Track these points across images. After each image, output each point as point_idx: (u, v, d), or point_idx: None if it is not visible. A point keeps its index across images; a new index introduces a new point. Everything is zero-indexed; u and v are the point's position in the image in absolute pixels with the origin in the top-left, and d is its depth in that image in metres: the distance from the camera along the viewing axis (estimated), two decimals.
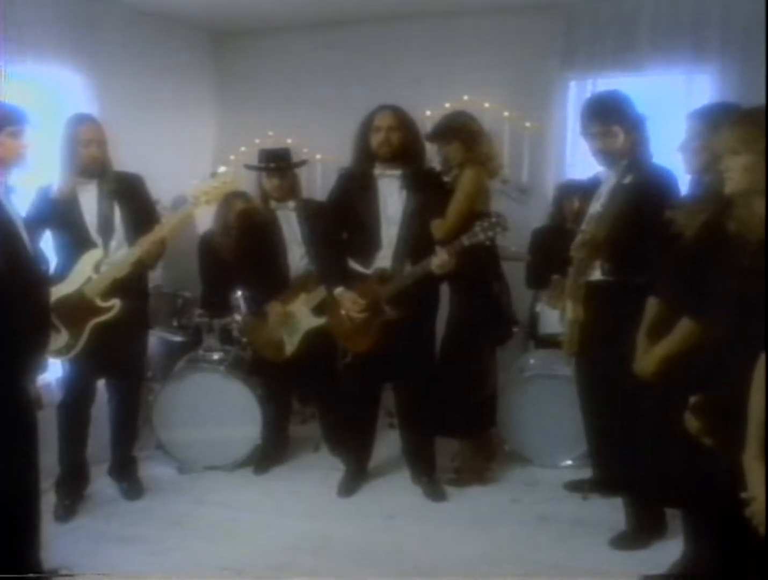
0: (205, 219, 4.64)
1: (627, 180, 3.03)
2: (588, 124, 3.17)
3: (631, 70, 4.74)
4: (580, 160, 4.85)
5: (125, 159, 3.72)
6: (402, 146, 3.53)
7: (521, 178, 4.76)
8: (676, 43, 4.64)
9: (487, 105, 4.59)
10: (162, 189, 4.09)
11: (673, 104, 4.44)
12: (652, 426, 2.64)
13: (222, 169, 3.62)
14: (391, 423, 4.38)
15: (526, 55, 4.99)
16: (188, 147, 5.38)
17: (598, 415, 3.37)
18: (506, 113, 4.72)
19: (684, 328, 2.42)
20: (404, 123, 3.56)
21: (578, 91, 4.96)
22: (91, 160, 3.51)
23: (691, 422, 2.19)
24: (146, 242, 3.45)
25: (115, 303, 3.44)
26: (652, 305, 2.68)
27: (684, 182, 2.90)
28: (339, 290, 3.60)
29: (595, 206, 3.18)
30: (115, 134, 3.66)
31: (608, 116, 3.10)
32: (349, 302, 3.55)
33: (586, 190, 3.89)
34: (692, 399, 2.20)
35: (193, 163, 5.29)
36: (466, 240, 3.35)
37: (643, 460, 2.72)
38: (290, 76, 5.56)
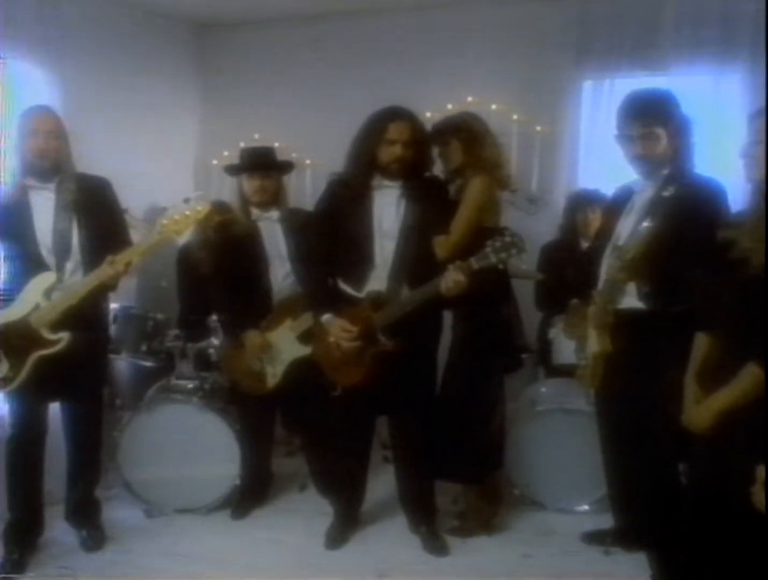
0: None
1: (668, 192, 2.71)
2: (626, 125, 2.85)
3: (652, 70, 4.47)
4: (594, 168, 4.70)
5: (96, 162, 3.42)
6: (414, 161, 3.18)
7: (530, 186, 4.52)
8: (703, 39, 4.36)
9: (494, 107, 4.36)
10: (136, 196, 3.81)
11: (699, 107, 4.05)
12: (699, 487, 2.26)
13: (197, 193, 3.29)
14: (386, 456, 4.02)
15: (536, 52, 4.76)
16: (167, 151, 5.16)
17: (622, 457, 3.11)
18: (515, 116, 4.51)
19: (749, 376, 2.02)
20: (421, 135, 3.20)
21: (593, 93, 4.74)
22: (42, 152, 3.11)
23: (762, 500, 1.78)
24: (105, 271, 3.08)
25: (63, 337, 3.08)
26: (703, 342, 2.28)
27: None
28: (326, 317, 3.22)
29: (627, 221, 2.86)
30: (85, 135, 3.37)
31: (651, 116, 2.79)
32: (339, 330, 3.17)
33: (603, 201, 3.73)
34: (762, 471, 1.79)
35: (172, 169, 5.12)
36: (475, 263, 2.93)
37: (685, 524, 2.31)
38: (279, 74, 5.34)
